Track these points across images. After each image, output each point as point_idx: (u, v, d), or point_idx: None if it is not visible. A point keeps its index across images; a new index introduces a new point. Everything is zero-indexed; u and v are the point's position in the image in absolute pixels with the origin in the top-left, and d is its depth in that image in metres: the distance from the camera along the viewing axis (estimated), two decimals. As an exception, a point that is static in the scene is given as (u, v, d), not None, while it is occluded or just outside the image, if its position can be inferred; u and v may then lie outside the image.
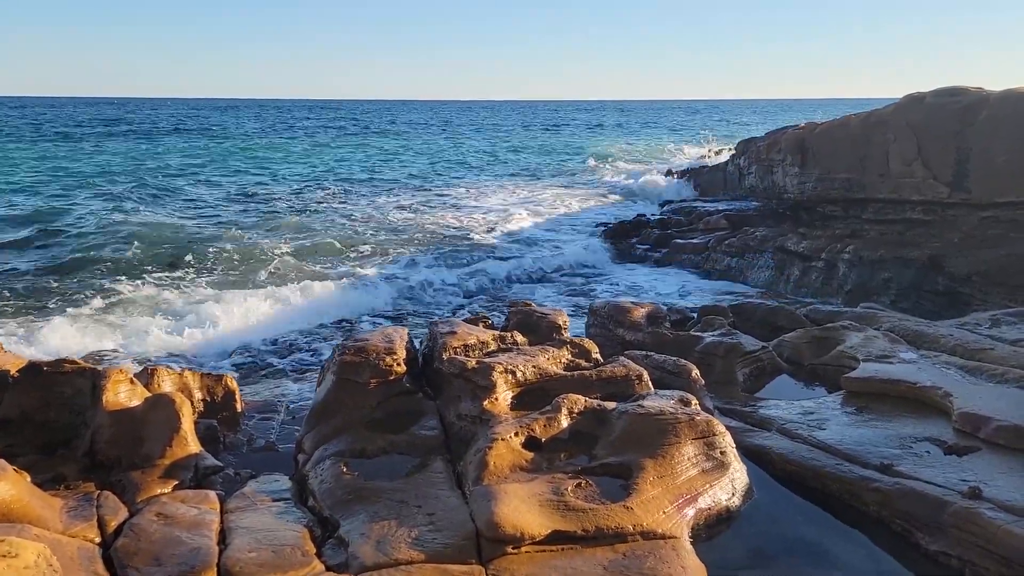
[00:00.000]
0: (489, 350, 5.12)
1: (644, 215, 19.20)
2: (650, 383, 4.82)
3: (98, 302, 12.00)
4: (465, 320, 5.89)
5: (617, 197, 25.33)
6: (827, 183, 12.67)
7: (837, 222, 12.71)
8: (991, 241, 10.21)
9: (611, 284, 14.04)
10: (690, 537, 3.68)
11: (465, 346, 5.09)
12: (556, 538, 3.44)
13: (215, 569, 3.33)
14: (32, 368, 4.59)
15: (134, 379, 4.69)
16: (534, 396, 4.64)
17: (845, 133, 12.29)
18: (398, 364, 4.91)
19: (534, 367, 4.79)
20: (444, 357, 4.94)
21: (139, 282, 13.39)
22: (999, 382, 5.09)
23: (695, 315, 7.27)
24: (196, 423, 4.74)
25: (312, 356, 9.70)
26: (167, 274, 14.20)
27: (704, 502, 3.87)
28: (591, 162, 37.48)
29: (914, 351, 5.90)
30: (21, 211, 20.75)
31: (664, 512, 3.66)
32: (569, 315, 6.05)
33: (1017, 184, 10.02)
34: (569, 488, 3.73)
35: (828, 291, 11.62)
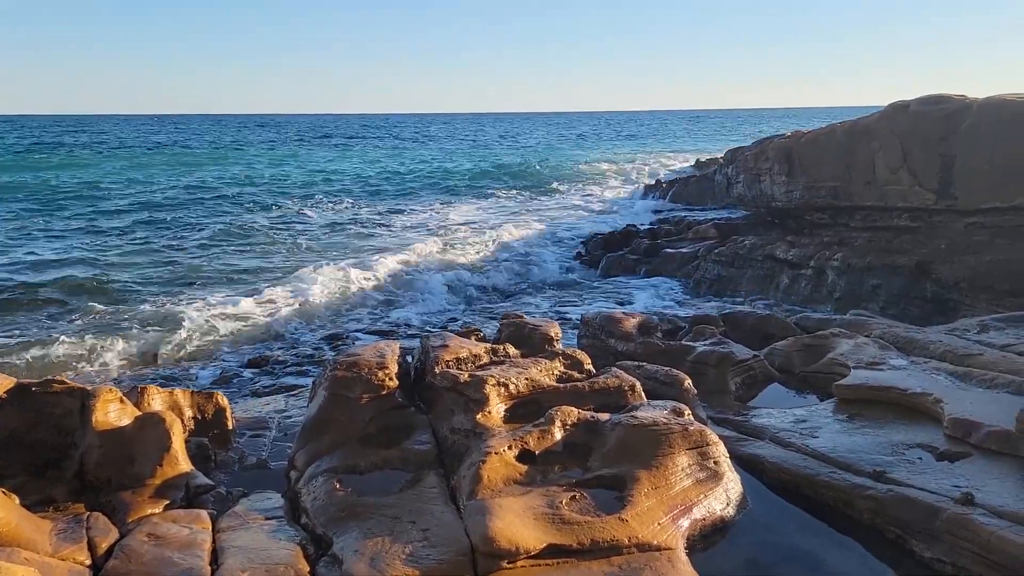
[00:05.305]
0: (481, 363, 5.11)
1: (634, 225, 19.28)
2: (643, 394, 4.82)
3: (87, 319, 11.93)
4: (457, 333, 5.88)
5: (606, 209, 25.44)
6: (814, 191, 12.75)
7: (825, 230, 12.78)
8: (977, 247, 10.29)
9: (602, 295, 14.08)
10: (685, 548, 3.67)
11: (457, 359, 5.08)
12: (552, 552, 3.43)
13: (208, 589, 3.29)
14: (20, 388, 4.53)
15: (124, 398, 4.65)
16: (527, 408, 4.63)
17: (831, 141, 12.37)
18: (390, 379, 4.89)
19: (527, 379, 4.78)
20: (436, 371, 4.92)
21: (127, 297, 13.32)
22: (989, 387, 5.13)
23: (686, 325, 7.28)
24: (187, 441, 4.70)
25: (303, 372, 9.67)
26: (154, 291, 14.13)
27: (699, 512, 3.87)
28: (580, 170, 37.66)
29: (904, 357, 5.94)
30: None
31: (659, 523, 3.66)
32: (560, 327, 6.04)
33: (1000, 190, 10.11)
34: (564, 501, 3.71)
35: (818, 298, 11.67)
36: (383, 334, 11.28)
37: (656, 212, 21.76)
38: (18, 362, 9.71)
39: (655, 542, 3.55)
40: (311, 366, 9.80)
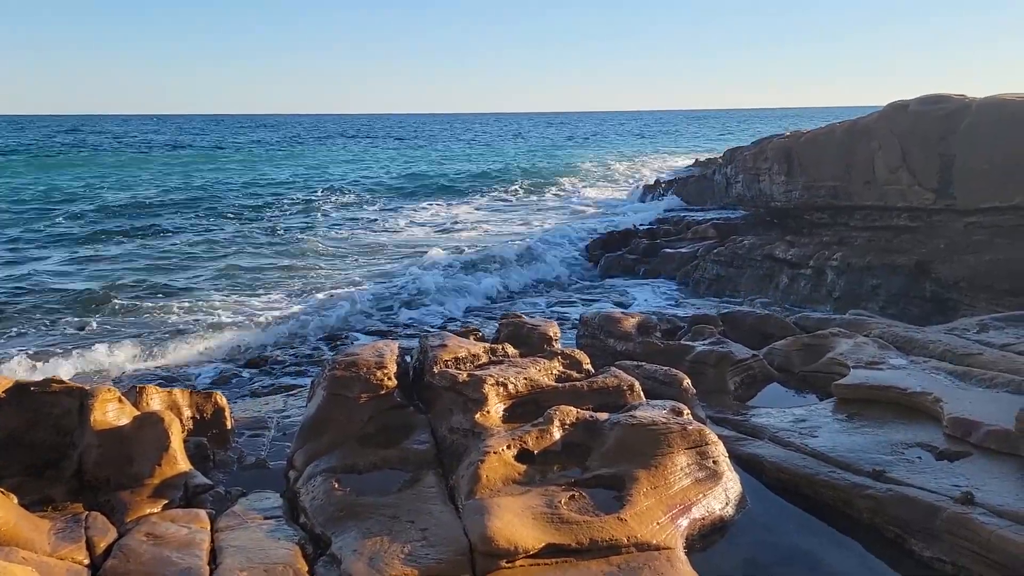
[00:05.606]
0: (480, 363, 5.10)
1: (633, 225, 19.27)
2: (642, 393, 4.82)
3: (85, 319, 11.93)
4: (455, 333, 5.88)
5: (606, 209, 25.43)
6: (813, 191, 12.74)
7: (824, 229, 12.78)
8: (976, 247, 10.29)
9: (601, 295, 14.07)
10: (684, 548, 3.67)
11: (456, 359, 5.08)
12: (550, 551, 3.42)
13: (206, 589, 3.29)
14: (18, 388, 4.53)
15: (122, 398, 4.65)
16: (526, 408, 4.63)
17: (830, 141, 12.36)
18: (389, 378, 4.88)
19: (525, 379, 4.78)
20: (435, 370, 4.92)
21: (126, 299, 13.31)
22: (988, 387, 5.12)
23: (685, 324, 7.28)
24: (185, 441, 4.69)
25: (302, 372, 9.66)
26: (154, 291, 14.13)
27: (698, 512, 3.86)
28: (580, 170, 37.71)
29: (903, 357, 5.93)
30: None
31: (658, 523, 3.65)
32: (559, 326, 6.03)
33: (999, 190, 10.11)
34: (562, 500, 3.71)
35: (817, 298, 11.67)
36: (382, 334, 11.27)
37: (656, 212, 21.74)
38: (18, 362, 9.70)
39: (654, 542, 3.54)
40: (310, 366, 9.79)
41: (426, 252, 17.51)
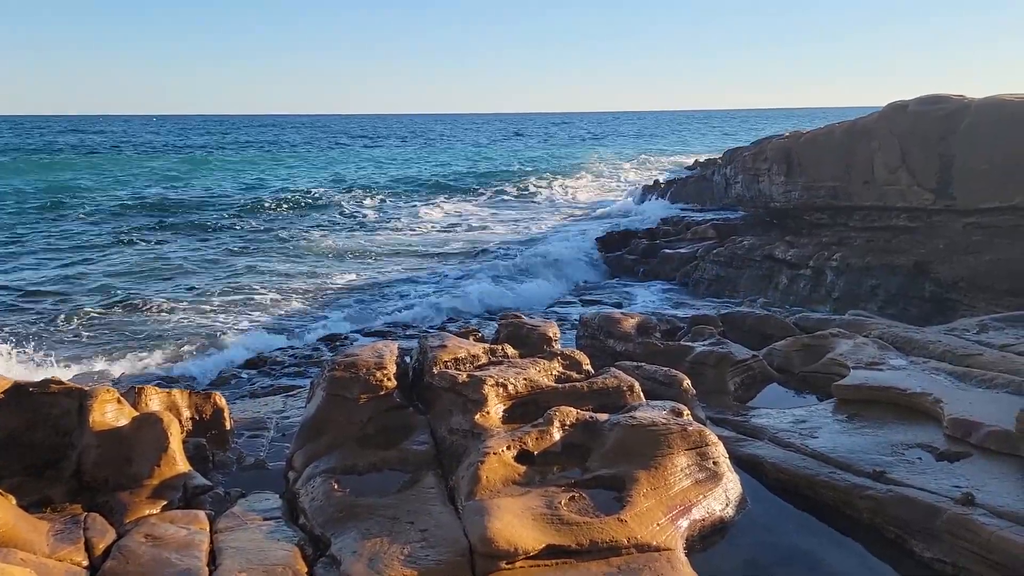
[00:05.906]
0: (480, 363, 5.10)
1: (633, 226, 19.26)
2: (641, 394, 4.81)
3: (85, 320, 11.92)
4: (455, 333, 5.87)
5: (606, 210, 25.43)
6: (813, 191, 12.73)
7: (824, 230, 12.77)
8: (975, 247, 10.28)
9: (601, 295, 14.06)
10: (684, 548, 3.66)
11: (456, 360, 5.07)
12: (550, 552, 3.42)
13: (205, 590, 3.28)
14: (18, 389, 4.52)
15: (121, 398, 4.64)
16: (526, 409, 4.62)
17: (830, 142, 12.36)
18: (388, 379, 4.88)
19: (525, 380, 4.77)
20: (434, 371, 4.91)
21: (127, 299, 13.30)
22: (988, 387, 5.12)
23: (685, 325, 7.27)
24: (185, 442, 4.69)
25: (301, 373, 9.65)
26: (154, 291, 14.12)
27: (698, 513, 3.86)
28: (581, 170, 37.72)
29: (903, 357, 5.93)
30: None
31: (658, 524, 3.65)
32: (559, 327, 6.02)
33: (998, 190, 10.10)
34: (562, 501, 3.70)
35: (816, 299, 11.66)
36: (381, 335, 11.26)
37: (656, 212, 21.72)
38: (16, 363, 9.69)
39: (654, 543, 3.54)
40: (309, 367, 9.79)
41: (429, 253, 17.49)
